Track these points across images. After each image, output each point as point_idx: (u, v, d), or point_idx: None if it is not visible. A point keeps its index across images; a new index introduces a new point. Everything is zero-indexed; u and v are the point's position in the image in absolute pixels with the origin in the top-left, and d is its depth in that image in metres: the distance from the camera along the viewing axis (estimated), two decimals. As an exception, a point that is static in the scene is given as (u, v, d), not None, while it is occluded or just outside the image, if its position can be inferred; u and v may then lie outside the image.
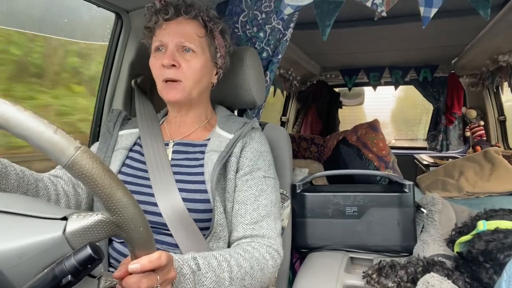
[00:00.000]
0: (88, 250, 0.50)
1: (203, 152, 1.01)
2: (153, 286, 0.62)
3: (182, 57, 1.00)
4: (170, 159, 1.02)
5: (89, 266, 0.50)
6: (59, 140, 0.49)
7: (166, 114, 1.17)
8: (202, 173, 0.98)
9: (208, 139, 1.05)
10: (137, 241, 0.56)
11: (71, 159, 0.49)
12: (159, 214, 0.94)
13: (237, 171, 0.99)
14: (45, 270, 0.50)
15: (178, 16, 1.02)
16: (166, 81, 1.00)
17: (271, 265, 0.92)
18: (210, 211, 0.94)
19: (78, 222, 0.53)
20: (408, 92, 4.62)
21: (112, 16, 1.42)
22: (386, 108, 5.29)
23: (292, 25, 1.41)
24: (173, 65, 0.98)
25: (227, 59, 1.13)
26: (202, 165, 0.99)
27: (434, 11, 1.22)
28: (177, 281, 0.70)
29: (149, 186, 0.97)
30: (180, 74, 0.99)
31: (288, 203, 1.25)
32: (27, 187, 0.86)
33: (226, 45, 1.12)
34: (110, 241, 1.00)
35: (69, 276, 0.49)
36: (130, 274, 0.61)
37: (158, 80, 1.02)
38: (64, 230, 0.52)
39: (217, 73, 1.11)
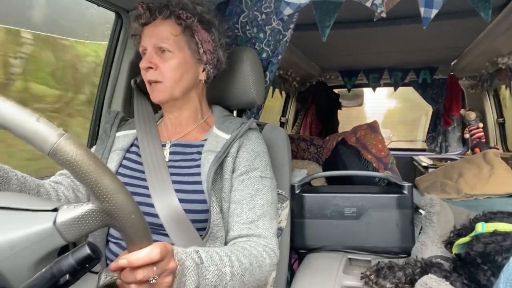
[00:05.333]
0: (86, 250, 0.50)
1: (200, 153, 1.01)
2: (150, 276, 0.60)
3: (160, 58, 1.01)
4: (167, 160, 1.02)
5: (87, 265, 0.50)
6: (42, 128, 0.49)
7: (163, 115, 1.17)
8: (199, 174, 0.98)
9: (205, 140, 1.05)
10: (130, 230, 0.55)
11: (54, 146, 0.48)
12: (156, 215, 0.93)
13: (233, 171, 0.99)
14: (43, 269, 0.50)
15: (154, 19, 1.03)
16: (150, 83, 1.02)
17: (268, 264, 0.92)
18: (207, 211, 0.94)
19: (69, 212, 0.52)
20: (407, 94, 4.62)
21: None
22: (386, 109, 5.30)
23: (292, 26, 1.41)
24: (150, 67, 1.00)
25: (218, 53, 1.10)
26: (199, 166, 0.99)
27: (434, 12, 1.23)
28: (180, 272, 0.69)
29: (146, 187, 0.97)
30: (158, 75, 1.01)
31: (286, 203, 1.25)
32: (28, 192, 0.86)
33: (214, 39, 1.08)
34: (107, 243, 1.00)
35: (67, 275, 0.49)
36: None
37: (146, 83, 1.04)
38: (55, 221, 0.52)
39: (204, 69, 1.08)
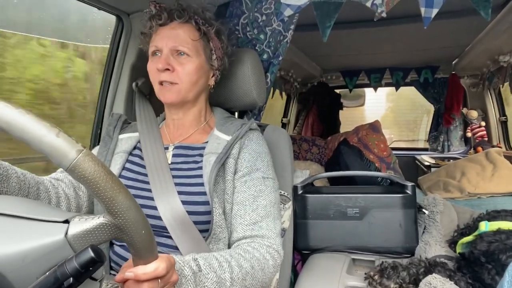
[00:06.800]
0: (89, 253, 0.50)
1: (201, 155, 1.02)
2: None
3: (177, 60, 1.01)
4: (170, 163, 1.03)
5: (90, 268, 0.50)
6: (61, 143, 0.49)
7: (165, 117, 1.18)
8: (201, 176, 0.98)
9: (206, 142, 1.05)
10: (139, 244, 0.56)
11: (73, 162, 0.49)
12: (159, 218, 0.94)
13: (235, 173, 1.00)
14: (47, 273, 0.50)
15: (171, 20, 1.04)
16: (162, 83, 1.02)
17: (272, 265, 0.92)
18: (210, 213, 0.94)
19: (80, 225, 0.53)
20: (409, 93, 4.62)
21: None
22: (387, 109, 5.29)
23: (292, 26, 1.41)
24: (167, 69, 1.00)
25: (224, 60, 1.13)
26: (201, 168, 0.99)
27: (435, 11, 1.22)
28: (178, 282, 0.70)
29: (149, 190, 0.97)
30: (174, 77, 1.01)
31: (289, 204, 1.25)
32: (28, 190, 0.86)
33: (223, 46, 1.12)
34: (111, 245, 1.00)
35: (71, 278, 0.49)
36: None
37: (155, 84, 1.04)
38: (66, 233, 0.52)
39: (213, 75, 1.11)
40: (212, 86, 1.13)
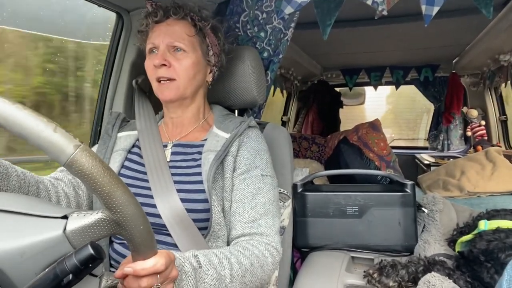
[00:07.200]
0: (89, 250, 0.50)
1: (200, 153, 1.02)
2: (154, 284, 0.62)
3: (174, 56, 1.02)
4: (168, 160, 1.03)
5: (90, 265, 0.50)
6: (59, 138, 0.49)
7: (164, 115, 1.18)
8: (200, 173, 0.98)
9: (205, 139, 1.05)
10: (138, 240, 0.56)
11: (70, 158, 0.49)
12: (158, 216, 0.94)
13: (234, 170, 1.00)
14: (46, 269, 0.50)
15: (167, 17, 1.04)
16: (159, 80, 1.02)
17: (271, 262, 0.92)
18: (209, 210, 0.94)
19: (79, 220, 0.53)
20: (409, 92, 4.61)
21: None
22: (387, 108, 5.30)
23: (293, 24, 1.41)
24: (164, 65, 1.00)
25: (222, 57, 1.14)
26: (199, 165, 0.99)
27: (436, 9, 1.22)
28: (178, 278, 0.70)
29: (148, 188, 0.97)
30: (172, 72, 1.01)
31: (289, 202, 1.25)
32: (28, 188, 0.86)
33: (220, 43, 1.12)
34: (111, 242, 1.00)
35: (70, 275, 0.49)
36: None
37: (153, 81, 1.04)
38: (65, 228, 0.52)
39: (211, 71, 1.11)
40: (210, 83, 1.13)
